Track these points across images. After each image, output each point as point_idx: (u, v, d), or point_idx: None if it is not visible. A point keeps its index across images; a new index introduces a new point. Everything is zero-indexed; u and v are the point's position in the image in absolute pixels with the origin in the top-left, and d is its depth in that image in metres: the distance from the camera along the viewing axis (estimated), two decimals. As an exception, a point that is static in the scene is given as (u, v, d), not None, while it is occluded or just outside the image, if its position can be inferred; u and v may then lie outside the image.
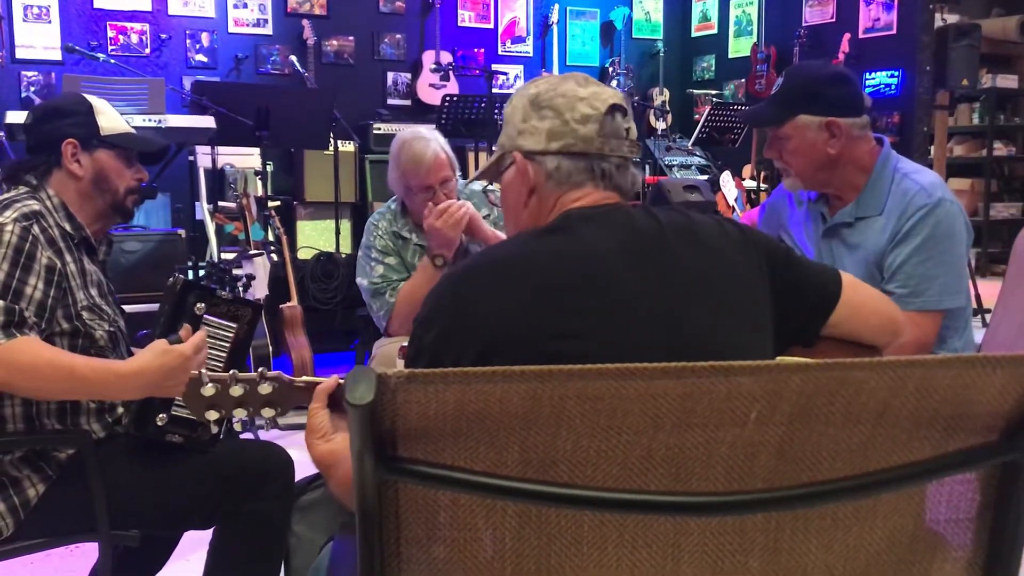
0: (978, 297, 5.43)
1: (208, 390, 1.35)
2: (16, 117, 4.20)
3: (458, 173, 2.73)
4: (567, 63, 8.01)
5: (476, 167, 5.78)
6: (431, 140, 2.65)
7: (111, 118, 1.93)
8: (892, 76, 6.92)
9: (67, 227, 1.85)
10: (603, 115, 1.31)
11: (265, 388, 1.36)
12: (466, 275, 1.26)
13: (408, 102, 7.39)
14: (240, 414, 1.38)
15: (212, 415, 1.38)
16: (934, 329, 2.02)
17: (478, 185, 2.87)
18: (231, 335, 1.86)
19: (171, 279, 1.83)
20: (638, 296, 1.21)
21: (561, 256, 1.23)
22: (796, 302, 1.37)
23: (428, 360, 1.20)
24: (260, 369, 1.38)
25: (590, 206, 1.31)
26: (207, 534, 1.90)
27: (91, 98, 1.94)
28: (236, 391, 1.36)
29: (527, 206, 1.36)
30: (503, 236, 2.66)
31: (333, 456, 1.18)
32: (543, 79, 1.38)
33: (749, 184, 6.58)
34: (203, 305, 1.81)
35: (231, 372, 1.36)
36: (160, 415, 1.80)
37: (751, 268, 1.31)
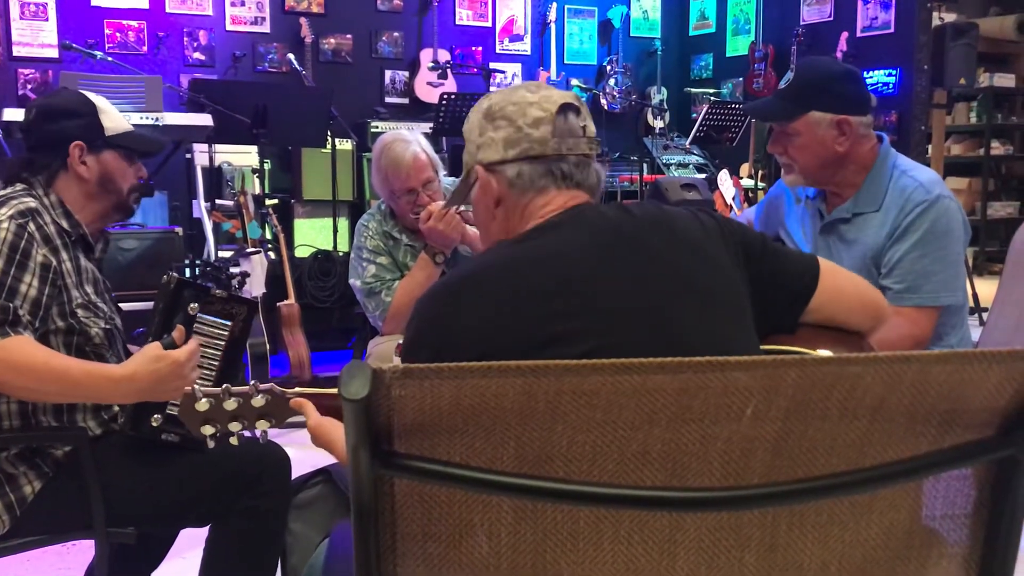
0: (975, 296, 5.43)
1: (202, 405, 1.34)
2: (13, 115, 4.19)
3: (442, 173, 2.73)
4: (565, 61, 8.00)
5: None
6: (411, 142, 2.66)
7: (113, 117, 1.93)
8: (890, 75, 6.93)
9: (64, 224, 1.84)
10: (554, 115, 1.31)
11: (259, 401, 1.35)
12: (445, 293, 1.27)
13: (406, 100, 7.38)
14: (235, 427, 1.37)
15: (208, 430, 1.37)
16: (930, 325, 2.02)
17: None
18: (226, 333, 1.85)
19: (165, 277, 1.82)
20: (619, 294, 1.21)
21: (537, 261, 1.23)
22: (775, 290, 1.38)
23: None
24: (253, 382, 1.37)
25: (559, 211, 1.30)
26: (203, 532, 1.89)
27: (93, 97, 1.93)
28: (230, 405, 1.35)
29: (495, 218, 1.37)
30: None
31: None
32: (495, 92, 1.39)
33: (747, 183, 6.58)
34: (196, 305, 1.80)
35: (224, 386, 1.34)
36: (155, 415, 1.79)
37: (728, 258, 1.31)
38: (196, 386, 1.37)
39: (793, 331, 1.44)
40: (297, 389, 1.37)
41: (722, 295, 1.27)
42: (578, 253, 1.23)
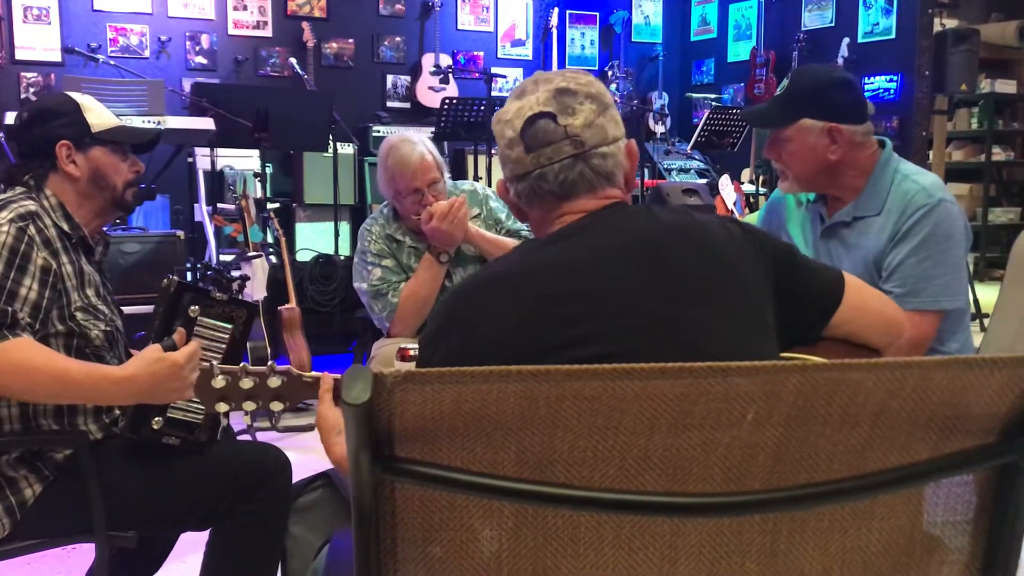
0: (977, 302, 5.43)
1: (219, 382, 1.37)
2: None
3: (446, 175, 2.76)
4: (566, 66, 8.01)
5: (475, 170, 5.79)
6: (417, 143, 2.69)
7: (99, 114, 1.92)
8: (891, 81, 6.93)
9: (64, 227, 1.84)
10: (519, 134, 1.28)
11: (275, 381, 1.38)
12: (466, 294, 1.28)
13: (407, 105, 7.39)
14: (249, 407, 1.40)
15: (222, 407, 1.39)
16: (931, 330, 2.01)
17: (468, 184, 2.92)
18: (227, 336, 1.85)
19: (165, 280, 1.82)
20: (638, 301, 1.20)
21: (557, 266, 1.23)
22: (800, 303, 1.37)
23: None
24: (270, 363, 1.39)
25: (587, 213, 1.30)
26: (204, 536, 1.89)
27: (76, 96, 1.93)
28: (246, 383, 1.37)
29: (530, 222, 1.38)
30: (487, 234, 2.74)
31: None
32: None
33: (748, 188, 6.58)
34: (197, 308, 1.80)
35: (241, 365, 1.37)
36: (155, 418, 1.79)
37: (755, 269, 1.30)
38: (214, 363, 1.38)
39: (814, 344, 1.45)
40: (328, 375, 1.38)
41: (743, 306, 1.26)
42: (598, 259, 1.22)
